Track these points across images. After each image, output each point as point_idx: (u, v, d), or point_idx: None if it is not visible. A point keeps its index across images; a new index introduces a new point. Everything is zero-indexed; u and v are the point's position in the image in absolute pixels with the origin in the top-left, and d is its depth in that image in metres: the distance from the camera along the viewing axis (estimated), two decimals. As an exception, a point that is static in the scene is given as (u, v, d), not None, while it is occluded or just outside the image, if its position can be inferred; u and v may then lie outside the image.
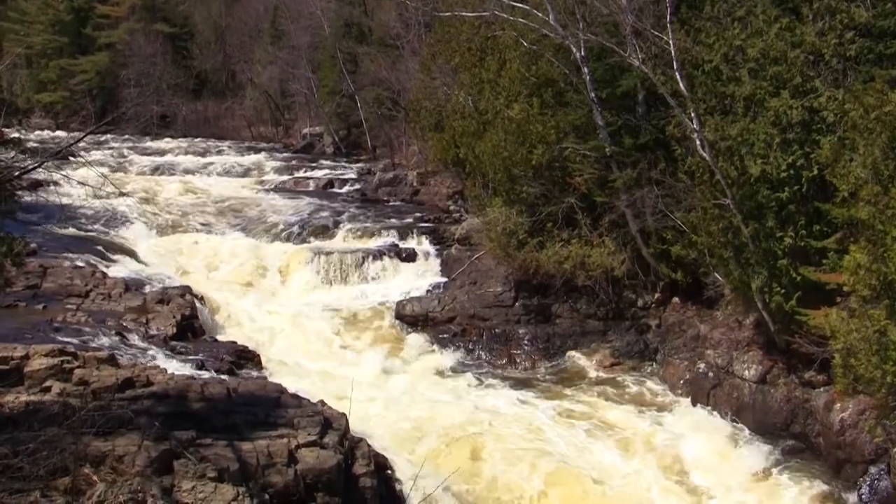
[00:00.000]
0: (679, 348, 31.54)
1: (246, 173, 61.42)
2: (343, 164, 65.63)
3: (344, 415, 21.52)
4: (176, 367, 25.05)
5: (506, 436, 25.36)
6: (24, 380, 20.96)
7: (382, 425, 25.32)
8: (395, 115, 61.20)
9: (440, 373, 31.46)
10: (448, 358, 32.71)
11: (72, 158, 19.68)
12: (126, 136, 75.96)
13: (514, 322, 34.05)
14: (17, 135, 19.20)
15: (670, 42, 26.51)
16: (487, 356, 33.06)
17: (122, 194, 18.79)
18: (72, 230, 42.21)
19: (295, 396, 22.66)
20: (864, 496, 22.85)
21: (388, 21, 66.96)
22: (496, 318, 34.22)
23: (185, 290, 33.31)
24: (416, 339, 33.92)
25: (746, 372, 27.40)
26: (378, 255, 40.31)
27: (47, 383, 20.80)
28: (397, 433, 24.99)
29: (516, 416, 27.20)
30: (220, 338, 31.46)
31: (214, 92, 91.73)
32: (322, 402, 22.64)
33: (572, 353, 32.95)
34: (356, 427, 22.02)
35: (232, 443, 18.94)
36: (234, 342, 30.29)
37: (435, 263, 40.33)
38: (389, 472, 21.81)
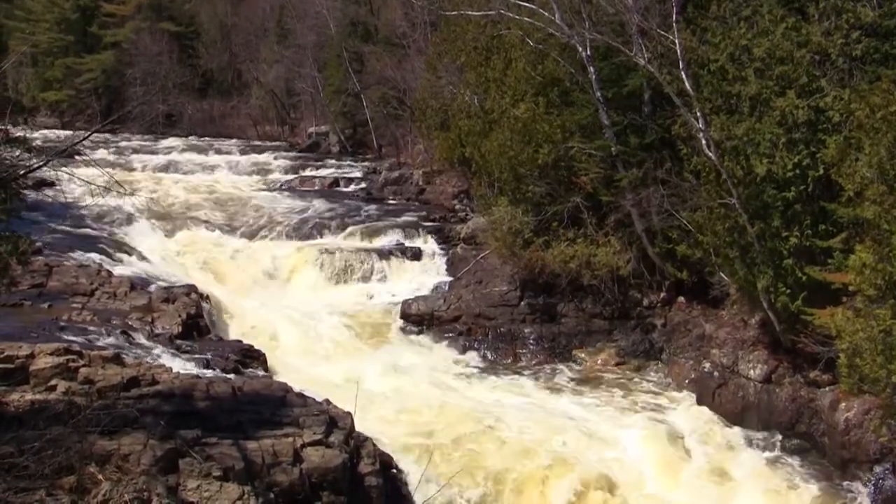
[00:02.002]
0: (684, 347, 31.53)
1: (251, 172, 61.41)
2: (349, 163, 65.66)
3: (349, 414, 21.53)
4: (181, 366, 25.05)
5: (511, 434, 25.32)
6: (30, 378, 20.94)
7: (388, 424, 25.30)
8: (401, 115, 61.27)
9: (446, 371, 31.44)
10: (453, 357, 32.72)
11: (77, 157, 19.66)
12: (132, 135, 76.05)
13: (519, 321, 34.06)
14: (22, 133, 19.23)
15: (676, 41, 26.50)
16: (493, 355, 33.06)
17: (128, 193, 18.70)
18: (77, 229, 42.20)
19: (300, 395, 22.67)
20: (869, 495, 22.86)
21: (393, 20, 67.06)
22: (502, 318, 34.22)
23: (191, 289, 33.27)
24: (421, 338, 33.93)
25: (752, 371, 27.40)
26: (384, 254, 40.36)
27: (52, 382, 20.79)
28: (403, 432, 24.97)
29: (521, 414, 27.13)
30: (225, 337, 31.48)
31: (220, 91, 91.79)
32: (327, 401, 22.67)
33: (578, 352, 32.98)
34: (362, 426, 22.01)
35: (237, 442, 18.96)
36: (240, 341, 30.27)
37: (440, 262, 40.35)
38: (395, 470, 21.81)
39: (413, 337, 34.17)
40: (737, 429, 26.84)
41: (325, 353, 32.11)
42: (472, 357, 32.88)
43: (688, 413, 28.13)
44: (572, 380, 31.19)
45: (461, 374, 31.29)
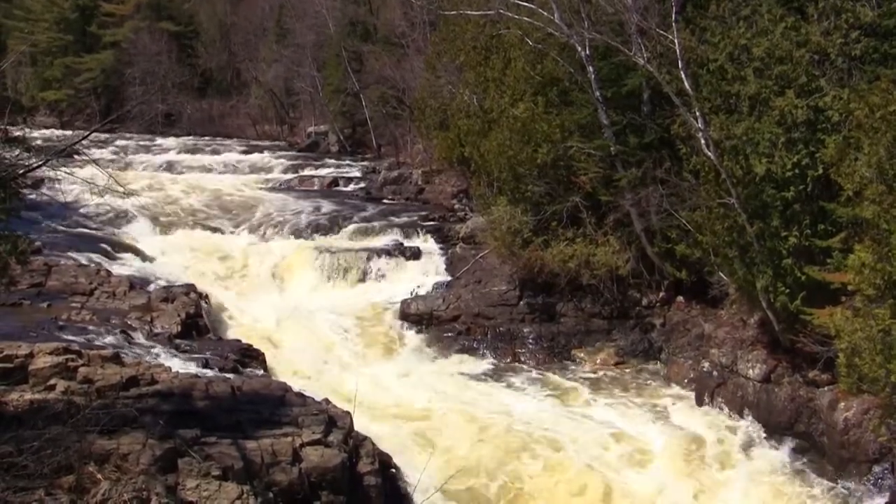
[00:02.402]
0: (683, 347, 31.55)
1: (251, 172, 61.40)
2: (348, 162, 65.60)
3: (348, 413, 21.53)
4: (180, 366, 25.04)
5: (510, 434, 25.36)
6: (29, 378, 20.96)
7: (387, 423, 25.32)
8: (400, 114, 61.25)
9: (444, 371, 31.44)
10: (452, 357, 32.71)
11: (76, 157, 19.66)
12: (131, 135, 76.02)
13: (518, 321, 34.05)
14: (21, 133, 19.22)
15: (675, 41, 26.48)
16: (492, 355, 33.04)
17: (127, 193, 18.71)
18: (76, 228, 42.23)
19: (299, 395, 22.67)
20: (868, 495, 22.85)
21: (393, 19, 67.08)
22: (501, 317, 34.21)
23: (190, 289, 33.29)
24: (420, 338, 33.92)
25: (751, 371, 27.39)
26: (382, 253, 40.28)
27: (52, 381, 20.80)
28: (402, 431, 24.99)
29: (520, 414, 27.18)
30: (224, 336, 31.46)
31: (219, 90, 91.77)
32: (326, 401, 22.68)
33: (577, 351, 32.97)
34: (361, 425, 22.01)
35: (236, 441, 18.95)
36: (239, 340, 30.25)
37: (439, 262, 40.26)
38: (394, 470, 21.82)
39: (412, 336, 34.15)
40: (735, 428, 26.87)
41: (323, 352, 32.07)
42: (471, 357, 32.82)
43: (686, 413, 28.14)
44: (571, 379, 31.11)
45: (460, 374, 31.24)
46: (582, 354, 32.85)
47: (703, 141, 25.72)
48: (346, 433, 20.89)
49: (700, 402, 28.50)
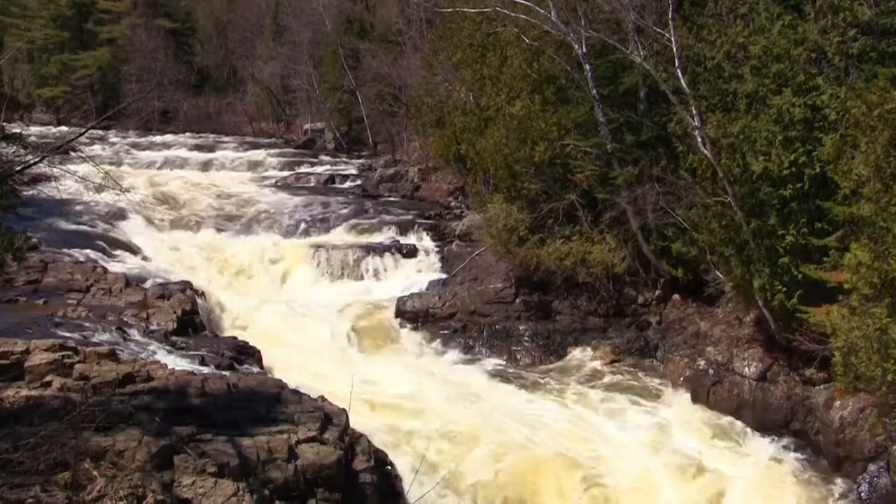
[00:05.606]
0: (679, 345, 31.54)
1: (247, 169, 61.37)
2: (344, 159, 65.57)
3: (344, 410, 21.53)
4: (176, 363, 25.03)
5: (506, 431, 25.33)
6: (25, 374, 20.98)
7: (383, 421, 25.29)
8: (397, 111, 61.23)
9: (440, 369, 31.41)
10: (448, 354, 32.71)
11: (73, 153, 19.65)
12: (127, 132, 75.94)
13: (514, 318, 34.03)
14: (18, 130, 19.21)
15: (672, 39, 26.50)
16: (488, 352, 33.02)
17: (123, 190, 18.71)
18: (72, 225, 42.14)
19: (295, 392, 22.68)
20: (863, 493, 22.85)
21: (389, 17, 67.15)
22: (497, 315, 34.19)
23: (186, 286, 33.28)
24: (416, 336, 33.91)
25: (747, 369, 27.39)
26: (379, 250, 40.33)
27: (48, 378, 20.81)
28: (398, 429, 24.94)
29: (516, 412, 27.15)
30: (220, 333, 31.44)
31: (216, 87, 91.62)
32: (322, 398, 22.66)
33: (573, 349, 32.93)
34: (356, 423, 22.00)
35: (232, 438, 18.96)
36: (235, 338, 30.26)
37: (435, 259, 40.33)
38: (389, 467, 21.83)
39: (409, 334, 34.13)
40: (731, 426, 26.87)
41: (319, 350, 32.05)
42: (467, 354, 32.81)
43: (682, 411, 28.13)
44: (567, 377, 31.08)
45: (456, 372, 31.23)
46: (578, 352, 32.80)
47: (699, 139, 25.74)
48: (342, 430, 20.89)
49: (696, 400, 28.48)
